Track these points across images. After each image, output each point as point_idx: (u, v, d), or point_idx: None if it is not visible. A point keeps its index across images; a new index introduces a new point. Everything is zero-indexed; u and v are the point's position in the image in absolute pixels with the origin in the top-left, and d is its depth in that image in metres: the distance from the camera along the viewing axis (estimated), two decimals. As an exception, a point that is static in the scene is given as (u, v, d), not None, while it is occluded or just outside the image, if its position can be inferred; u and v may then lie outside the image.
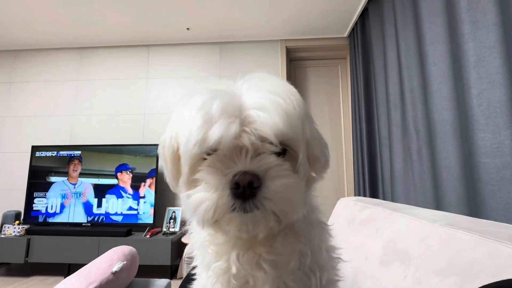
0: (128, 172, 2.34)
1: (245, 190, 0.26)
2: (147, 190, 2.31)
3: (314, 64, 2.76)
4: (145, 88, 2.69)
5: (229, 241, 0.33)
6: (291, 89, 0.32)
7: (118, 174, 2.35)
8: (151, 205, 2.28)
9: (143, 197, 2.30)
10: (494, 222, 0.47)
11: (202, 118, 0.28)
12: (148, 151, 2.36)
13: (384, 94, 1.83)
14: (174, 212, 2.34)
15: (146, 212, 2.28)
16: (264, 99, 0.29)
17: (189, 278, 0.76)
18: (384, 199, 1.79)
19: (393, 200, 1.61)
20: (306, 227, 0.34)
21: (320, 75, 2.74)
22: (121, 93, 2.69)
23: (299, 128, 0.30)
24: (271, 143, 0.28)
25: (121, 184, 2.33)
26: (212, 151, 0.29)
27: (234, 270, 0.32)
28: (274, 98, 0.29)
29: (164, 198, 2.42)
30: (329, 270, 0.35)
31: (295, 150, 0.30)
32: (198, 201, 0.28)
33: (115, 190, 2.33)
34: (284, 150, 0.30)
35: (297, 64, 2.78)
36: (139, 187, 2.32)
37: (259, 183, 0.27)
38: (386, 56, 1.78)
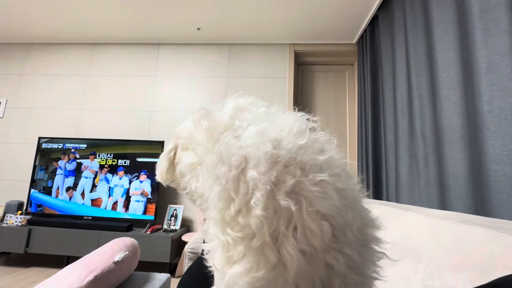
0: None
1: None
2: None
3: (322, 69, 2.78)
4: (152, 85, 2.71)
5: None
6: None
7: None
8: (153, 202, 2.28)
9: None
10: (508, 220, 0.46)
11: None
12: (153, 147, 2.37)
13: (392, 100, 1.83)
14: (175, 210, 2.33)
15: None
16: None
17: (188, 274, 0.75)
18: (388, 206, 1.77)
19: (397, 206, 1.59)
20: None
21: (328, 80, 2.75)
22: (129, 90, 2.71)
23: None
24: None
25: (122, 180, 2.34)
26: None
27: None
28: None
29: (166, 196, 2.42)
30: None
31: None
32: None
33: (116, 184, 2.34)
34: None
35: (305, 69, 2.80)
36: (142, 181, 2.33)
37: None
38: (394, 63, 1.78)
